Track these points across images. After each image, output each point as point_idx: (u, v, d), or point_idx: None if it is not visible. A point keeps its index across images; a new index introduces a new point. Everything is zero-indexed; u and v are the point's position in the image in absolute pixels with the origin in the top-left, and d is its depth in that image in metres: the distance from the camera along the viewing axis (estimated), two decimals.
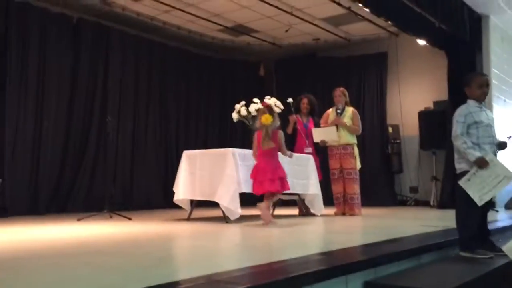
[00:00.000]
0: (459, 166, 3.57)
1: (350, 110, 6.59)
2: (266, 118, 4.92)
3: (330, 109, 6.71)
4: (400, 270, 2.98)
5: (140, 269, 2.56)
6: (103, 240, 3.97)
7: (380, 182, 9.24)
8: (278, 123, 5.05)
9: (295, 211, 6.98)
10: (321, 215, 6.36)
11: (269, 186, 4.89)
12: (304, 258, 2.66)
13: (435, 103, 8.99)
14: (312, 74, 10.17)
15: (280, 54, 10.33)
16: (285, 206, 7.58)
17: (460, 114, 3.56)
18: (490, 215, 4.88)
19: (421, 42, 8.44)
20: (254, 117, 6.20)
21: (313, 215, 6.38)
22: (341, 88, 6.69)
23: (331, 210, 6.65)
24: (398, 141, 9.30)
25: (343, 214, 6.43)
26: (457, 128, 3.52)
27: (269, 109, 5.09)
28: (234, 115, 6.31)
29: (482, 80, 3.67)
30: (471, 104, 3.61)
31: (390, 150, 9.24)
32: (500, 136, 3.83)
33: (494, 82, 8.39)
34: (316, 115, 6.93)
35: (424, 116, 8.88)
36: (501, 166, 3.42)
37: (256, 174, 4.99)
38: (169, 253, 3.38)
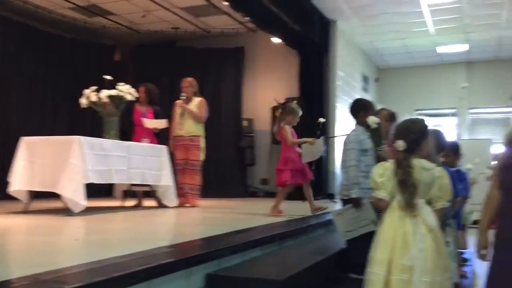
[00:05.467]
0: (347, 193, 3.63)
1: (197, 99, 6.54)
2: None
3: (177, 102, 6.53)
4: (243, 261, 3.05)
5: None
6: None
7: (233, 174, 9.47)
8: (288, 117, 5.42)
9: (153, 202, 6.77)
10: (174, 207, 6.27)
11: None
12: (144, 252, 2.57)
13: (287, 99, 9.44)
14: (171, 62, 9.99)
15: (138, 39, 9.97)
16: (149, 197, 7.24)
17: (354, 141, 3.61)
18: (330, 205, 5.30)
19: (276, 40, 8.80)
20: (105, 104, 5.89)
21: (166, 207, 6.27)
22: (189, 79, 6.60)
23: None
24: (251, 134, 9.60)
25: (182, 205, 6.39)
26: (351, 156, 3.56)
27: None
28: (83, 101, 5.92)
29: (374, 109, 3.80)
30: (360, 130, 3.69)
31: (244, 143, 9.50)
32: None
33: (338, 83, 9.12)
34: (157, 104, 6.80)
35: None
36: (370, 211, 3.49)
37: None
38: None
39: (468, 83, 11.09)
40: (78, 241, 3.49)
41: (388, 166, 2.49)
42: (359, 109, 3.82)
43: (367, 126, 3.70)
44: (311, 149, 5.35)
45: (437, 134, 3.19)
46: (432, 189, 2.41)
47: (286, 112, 5.46)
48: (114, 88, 5.91)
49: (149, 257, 2.46)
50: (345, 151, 3.68)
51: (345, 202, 3.76)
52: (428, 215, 2.39)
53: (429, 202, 2.43)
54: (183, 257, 2.50)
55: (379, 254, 2.36)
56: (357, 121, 3.81)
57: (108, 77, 5.97)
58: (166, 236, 3.84)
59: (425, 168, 2.42)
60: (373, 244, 2.42)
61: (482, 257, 2.42)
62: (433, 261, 2.31)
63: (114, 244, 3.20)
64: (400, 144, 2.43)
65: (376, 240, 2.42)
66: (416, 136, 2.46)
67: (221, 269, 2.76)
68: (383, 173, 2.49)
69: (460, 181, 4.24)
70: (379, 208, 2.57)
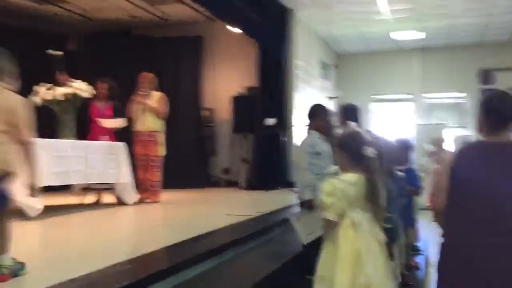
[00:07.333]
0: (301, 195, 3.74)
1: (157, 94, 6.46)
2: None
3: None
4: (200, 272, 3.04)
5: None
6: None
7: (194, 164, 9.43)
8: None
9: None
10: (134, 204, 6.22)
11: None
12: (99, 272, 2.55)
13: (247, 88, 9.44)
14: (126, 51, 9.71)
15: (92, 28, 9.67)
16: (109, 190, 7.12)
17: (306, 144, 3.74)
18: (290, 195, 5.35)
19: (235, 29, 8.72)
20: (60, 102, 5.71)
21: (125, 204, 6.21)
22: (149, 75, 6.51)
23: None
24: (212, 124, 9.57)
25: (143, 200, 6.38)
26: (304, 159, 3.67)
27: None
28: (37, 99, 5.63)
29: (327, 113, 3.89)
30: (314, 135, 3.80)
31: (204, 133, 9.47)
32: None
33: (296, 72, 9.16)
34: (118, 99, 6.64)
35: (237, 101, 9.26)
36: None
37: None
38: None
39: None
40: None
41: (336, 184, 2.38)
42: (310, 116, 3.94)
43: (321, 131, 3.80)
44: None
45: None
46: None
47: None
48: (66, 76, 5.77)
49: (104, 278, 2.45)
50: (298, 154, 3.80)
51: (301, 204, 3.84)
52: (378, 230, 2.43)
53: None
54: (139, 278, 2.50)
55: (340, 275, 2.29)
56: (310, 127, 3.90)
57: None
58: (122, 247, 3.79)
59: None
60: (320, 262, 2.43)
61: None
62: (386, 274, 2.38)
63: (70, 262, 3.14)
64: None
65: (322, 258, 2.43)
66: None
67: (179, 284, 2.77)
68: (332, 191, 2.37)
69: (411, 178, 4.40)
70: (328, 229, 2.44)
